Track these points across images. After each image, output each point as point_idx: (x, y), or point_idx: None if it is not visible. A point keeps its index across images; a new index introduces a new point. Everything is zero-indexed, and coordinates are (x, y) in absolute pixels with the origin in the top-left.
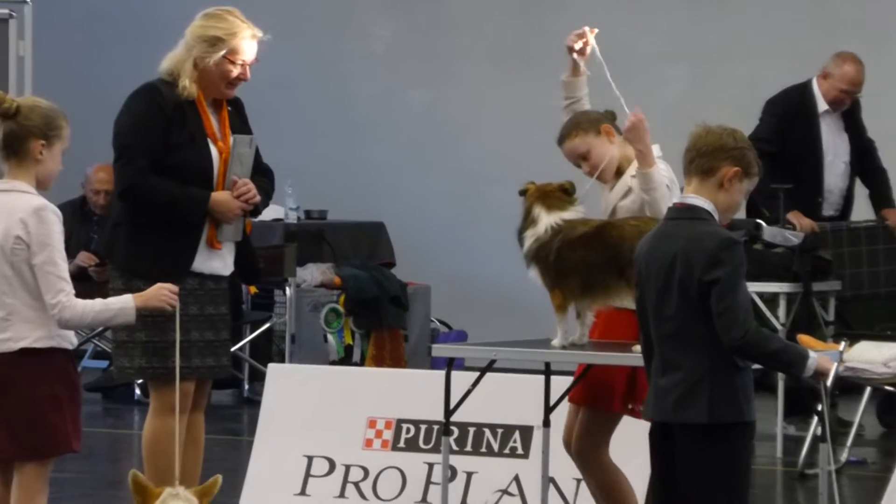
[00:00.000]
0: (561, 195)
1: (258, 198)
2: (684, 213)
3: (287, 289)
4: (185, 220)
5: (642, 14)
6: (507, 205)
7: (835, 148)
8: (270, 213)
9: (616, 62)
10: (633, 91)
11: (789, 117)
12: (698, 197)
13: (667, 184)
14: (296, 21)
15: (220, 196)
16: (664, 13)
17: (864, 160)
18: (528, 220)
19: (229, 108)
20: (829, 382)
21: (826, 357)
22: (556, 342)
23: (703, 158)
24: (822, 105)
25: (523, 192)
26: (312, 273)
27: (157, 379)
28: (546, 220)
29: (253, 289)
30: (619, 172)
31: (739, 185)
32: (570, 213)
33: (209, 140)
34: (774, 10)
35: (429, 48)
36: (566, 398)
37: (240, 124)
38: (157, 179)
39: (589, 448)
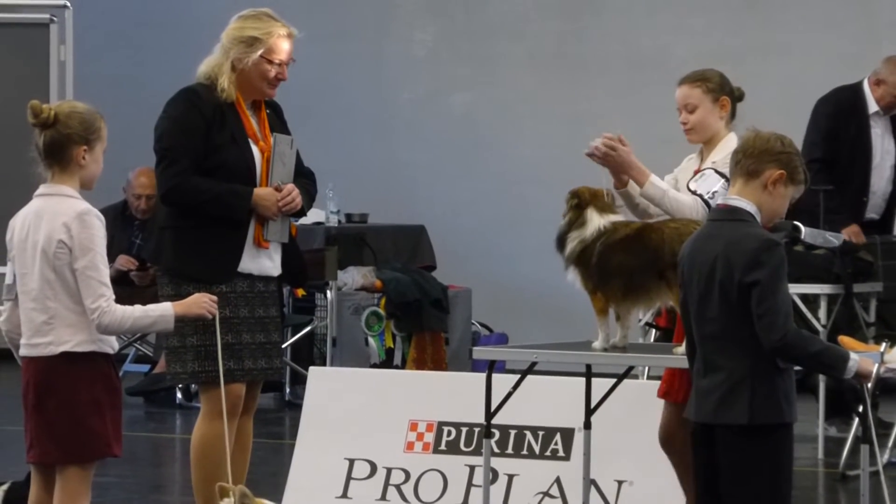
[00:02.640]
0: (610, 200)
1: (300, 202)
2: (726, 214)
3: (328, 292)
4: (230, 216)
5: (681, 16)
6: (548, 208)
7: (882, 150)
8: (312, 216)
9: (655, 65)
10: (673, 94)
11: (840, 116)
12: (741, 199)
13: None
14: (337, 24)
15: (262, 191)
16: (702, 15)
17: None
18: (576, 222)
19: (268, 111)
20: (869, 384)
21: (867, 359)
22: (597, 344)
23: (748, 160)
24: (872, 106)
25: (577, 193)
26: (353, 276)
27: (209, 383)
28: (597, 221)
29: (300, 291)
30: (711, 144)
31: (784, 190)
32: (618, 217)
33: (250, 140)
34: (814, 10)
35: (470, 52)
36: (607, 399)
37: (279, 126)
38: (199, 179)
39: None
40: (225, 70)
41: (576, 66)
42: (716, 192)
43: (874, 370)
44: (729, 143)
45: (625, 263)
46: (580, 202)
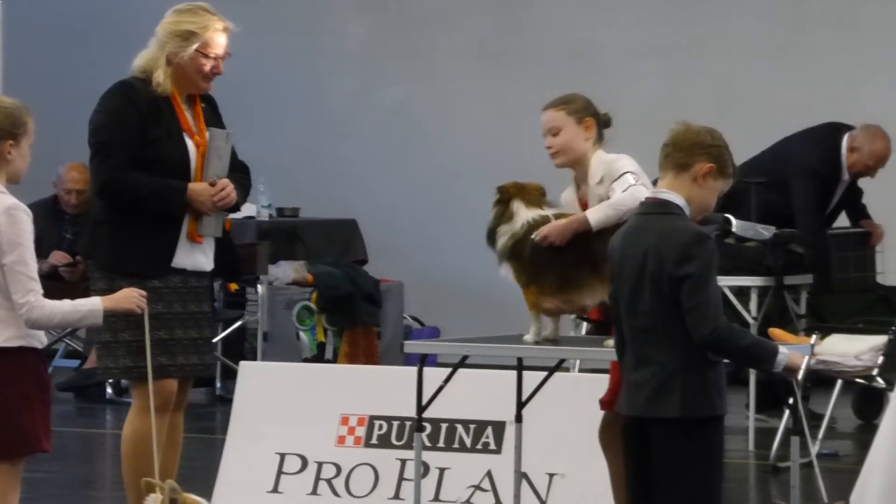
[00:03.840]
0: (538, 193)
1: (234, 197)
2: (656, 207)
3: (259, 286)
4: (165, 211)
5: (613, 10)
6: (481, 202)
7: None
8: (243, 210)
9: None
10: (606, 88)
11: (823, 187)
12: (670, 192)
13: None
14: (270, 17)
15: (197, 186)
16: (635, 9)
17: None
18: (504, 216)
19: (203, 105)
20: (799, 377)
21: (796, 352)
22: (528, 337)
23: (678, 153)
24: (844, 174)
25: (502, 189)
26: (285, 271)
27: (142, 378)
28: (524, 215)
29: (233, 286)
30: (582, 168)
31: (713, 183)
32: (547, 211)
33: (185, 135)
34: (743, 2)
35: (403, 45)
36: (538, 392)
37: (214, 121)
38: (134, 173)
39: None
40: (160, 64)
41: (509, 59)
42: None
43: (803, 364)
44: (600, 163)
45: (558, 257)
46: (503, 197)
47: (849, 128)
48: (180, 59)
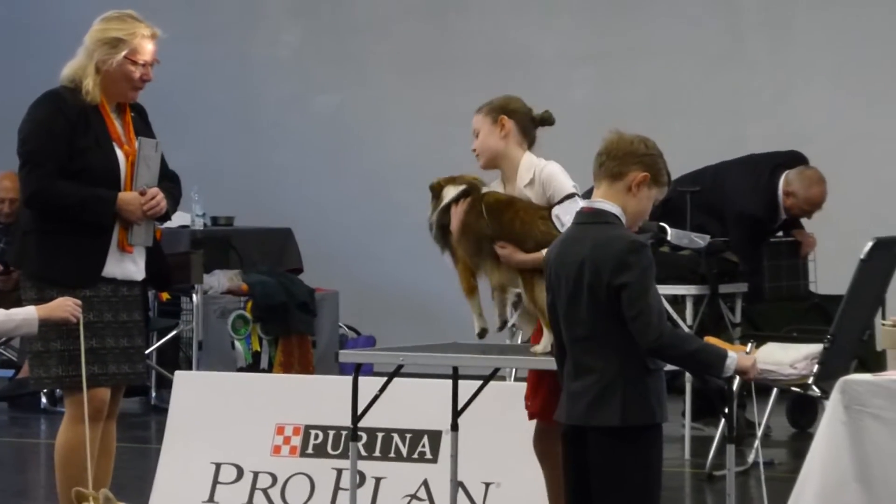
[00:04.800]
0: (471, 178)
1: (165, 206)
2: (592, 217)
3: (194, 295)
4: (94, 220)
5: (547, 16)
6: (416, 209)
7: None
8: (177, 219)
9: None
10: (539, 94)
11: (762, 226)
12: (606, 201)
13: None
14: (202, 25)
15: (127, 196)
16: (569, 15)
17: None
18: (437, 202)
19: (133, 114)
20: (752, 378)
21: (745, 355)
22: (476, 330)
23: (612, 162)
24: (782, 214)
25: (433, 185)
26: (219, 280)
27: (74, 388)
28: (451, 192)
29: (165, 295)
30: (509, 167)
31: (648, 192)
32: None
33: (114, 144)
34: (678, 9)
35: (336, 52)
36: (473, 401)
37: (144, 130)
38: (63, 183)
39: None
40: (89, 72)
41: (442, 65)
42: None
43: (754, 365)
44: (530, 164)
45: (484, 228)
46: (435, 191)
47: (787, 162)
48: (109, 66)
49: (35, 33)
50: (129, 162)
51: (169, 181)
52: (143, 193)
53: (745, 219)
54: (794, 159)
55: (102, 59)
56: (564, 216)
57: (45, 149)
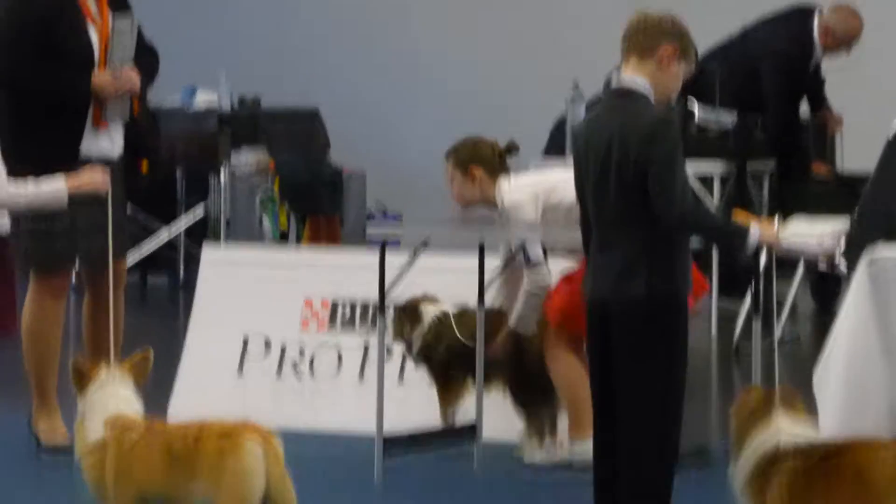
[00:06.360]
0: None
1: (137, 83)
2: (620, 94)
3: (222, 174)
4: (69, 106)
5: None
6: (442, 86)
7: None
8: (204, 99)
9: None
10: None
11: (797, 68)
12: (635, 77)
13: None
14: None
15: (101, 80)
16: None
17: None
18: (414, 319)
19: None
20: (775, 253)
21: (769, 228)
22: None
23: (641, 36)
24: (817, 55)
25: (406, 307)
26: (247, 158)
27: (38, 265)
28: (431, 311)
29: (144, 167)
30: (491, 203)
31: (677, 67)
32: (447, 307)
33: (88, 22)
34: None
35: None
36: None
37: (118, 4)
38: (39, 64)
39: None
40: None
41: None
42: (526, 252)
43: (777, 237)
44: (503, 195)
45: (469, 358)
46: (413, 311)
47: (813, 9)
48: None
49: None
50: (103, 40)
51: (147, 55)
52: (115, 77)
53: (778, 58)
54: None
55: None
56: (529, 249)
57: (18, 31)
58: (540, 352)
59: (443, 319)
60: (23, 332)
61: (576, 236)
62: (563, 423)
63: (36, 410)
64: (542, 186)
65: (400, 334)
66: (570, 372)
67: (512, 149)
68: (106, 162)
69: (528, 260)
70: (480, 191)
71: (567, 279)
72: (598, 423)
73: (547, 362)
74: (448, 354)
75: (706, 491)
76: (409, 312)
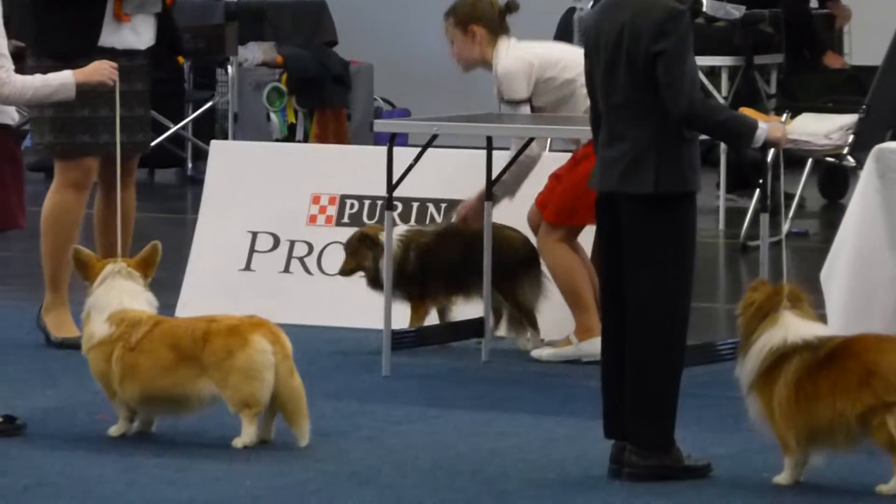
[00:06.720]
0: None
1: None
2: None
3: (229, 67)
4: None
5: None
6: None
7: None
8: None
9: None
10: None
11: None
12: None
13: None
14: None
15: None
16: None
17: None
18: (378, 253)
19: None
20: (783, 147)
21: (776, 125)
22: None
23: None
24: None
25: (364, 237)
26: (254, 52)
27: (61, 155)
28: (394, 234)
29: (181, 58)
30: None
31: None
32: (399, 229)
33: None
34: None
35: None
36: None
37: None
38: None
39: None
40: None
41: None
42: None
43: (784, 136)
44: (496, 61)
45: (446, 261)
46: (372, 239)
47: None
48: None
49: None
50: None
51: None
52: None
53: None
54: None
55: None
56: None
57: None
58: (518, 245)
59: (410, 237)
60: (41, 221)
61: (562, 116)
62: (570, 322)
63: (46, 303)
64: (539, 59)
65: (354, 268)
66: (566, 263)
67: (512, 7)
68: (130, 54)
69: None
70: (480, 51)
71: (558, 175)
72: (605, 314)
73: (542, 257)
74: (420, 270)
75: (712, 388)
76: (365, 242)
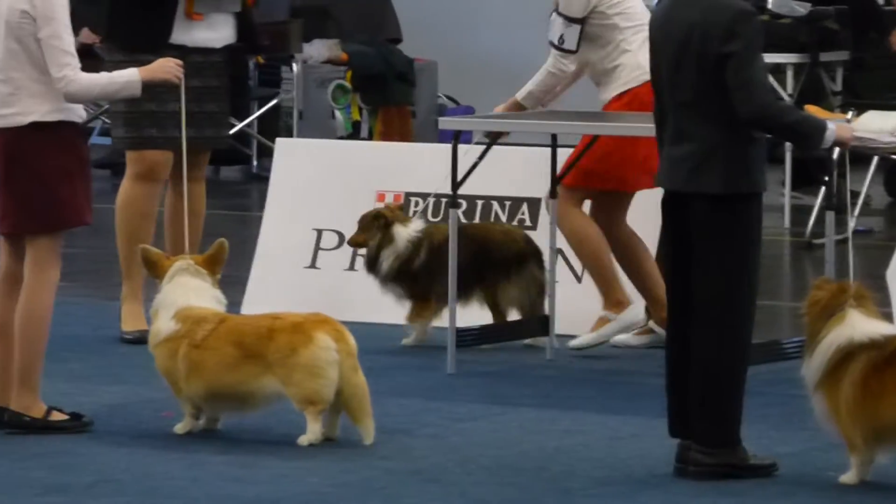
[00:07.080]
0: (404, 214)
1: None
2: None
3: (294, 65)
4: None
5: None
6: None
7: None
8: None
9: None
10: None
11: None
12: None
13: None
14: None
15: None
16: None
17: None
18: (384, 239)
19: None
20: (847, 148)
21: (844, 125)
22: (407, 341)
23: None
24: None
25: (378, 215)
26: (319, 49)
27: (132, 148)
28: (404, 234)
29: (260, 58)
30: None
31: None
32: (418, 224)
33: None
34: None
35: None
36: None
37: None
38: None
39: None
40: None
41: None
42: (562, 34)
43: (852, 136)
44: None
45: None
46: (386, 221)
47: None
48: None
49: None
50: None
51: None
52: None
53: None
54: None
55: None
56: (553, 29)
57: None
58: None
59: (425, 234)
60: (116, 212)
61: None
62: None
63: (122, 293)
64: None
65: (361, 242)
66: (582, 228)
67: None
68: (205, 51)
69: (558, 43)
70: None
71: (587, 139)
72: (671, 311)
73: (559, 224)
74: (425, 272)
75: (777, 387)
76: (378, 220)
